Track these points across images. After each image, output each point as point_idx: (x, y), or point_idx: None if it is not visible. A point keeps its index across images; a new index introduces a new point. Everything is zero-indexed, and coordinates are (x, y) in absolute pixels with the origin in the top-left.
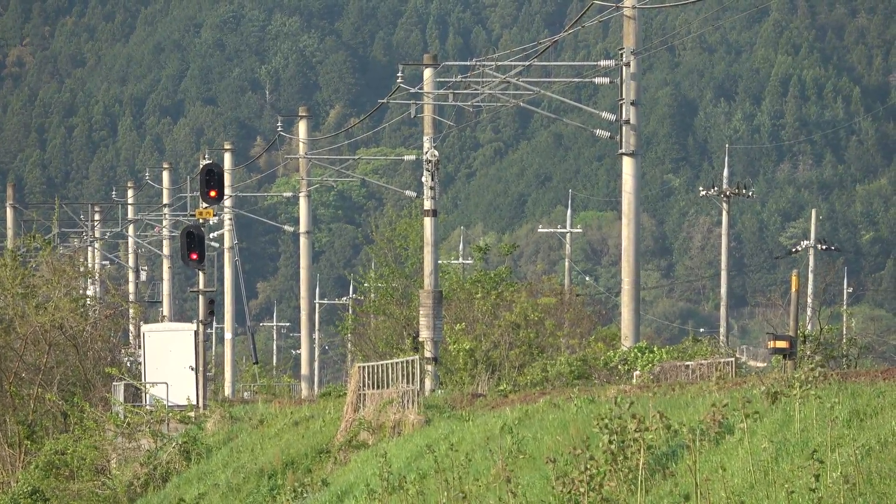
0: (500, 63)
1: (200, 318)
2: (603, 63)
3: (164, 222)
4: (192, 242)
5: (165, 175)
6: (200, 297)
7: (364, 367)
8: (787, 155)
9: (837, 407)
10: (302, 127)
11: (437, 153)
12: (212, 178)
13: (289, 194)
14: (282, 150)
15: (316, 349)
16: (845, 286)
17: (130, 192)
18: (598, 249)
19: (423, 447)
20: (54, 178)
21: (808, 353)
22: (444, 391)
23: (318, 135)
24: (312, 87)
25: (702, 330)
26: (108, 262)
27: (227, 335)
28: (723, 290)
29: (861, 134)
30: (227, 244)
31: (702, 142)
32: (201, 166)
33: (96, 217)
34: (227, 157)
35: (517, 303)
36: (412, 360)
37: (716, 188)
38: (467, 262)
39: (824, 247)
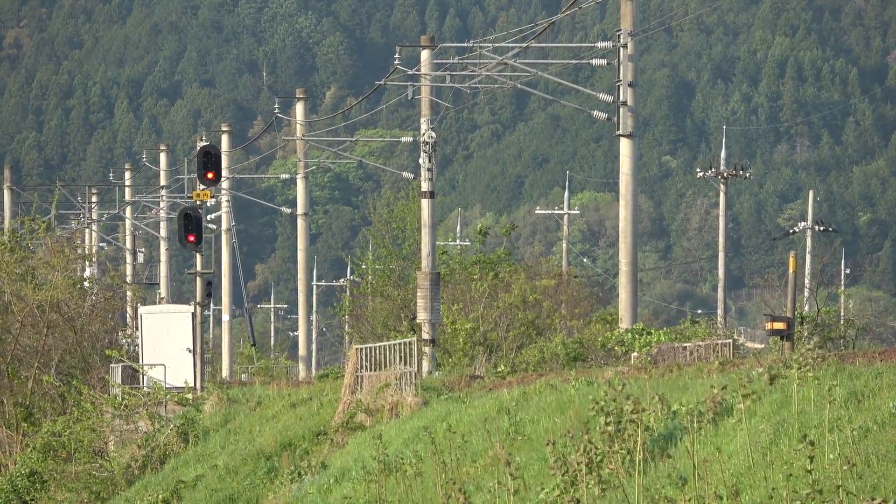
0: (497, 45)
1: (198, 299)
2: (600, 45)
3: (162, 204)
4: (190, 224)
5: (163, 157)
6: (198, 278)
7: (361, 349)
8: (784, 136)
9: (835, 388)
10: (299, 109)
11: (434, 135)
12: (209, 159)
13: (286, 176)
14: (280, 133)
15: (313, 331)
16: (843, 267)
17: (128, 174)
18: (595, 231)
19: (420, 429)
20: (51, 160)
21: (806, 334)
22: (442, 373)
23: (315, 117)
24: (309, 69)
25: (699, 311)
26: (105, 244)
27: (225, 317)
28: (720, 271)
29: (858, 115)
30: (224, 226)
31: (699, 123)
32: (198, 148)
33: (93, 199)
34: (225, 139)
35: (515, 284)
36: (410, 342)
37: (713, 169)
38: (465, 243)
39: (822, 228)
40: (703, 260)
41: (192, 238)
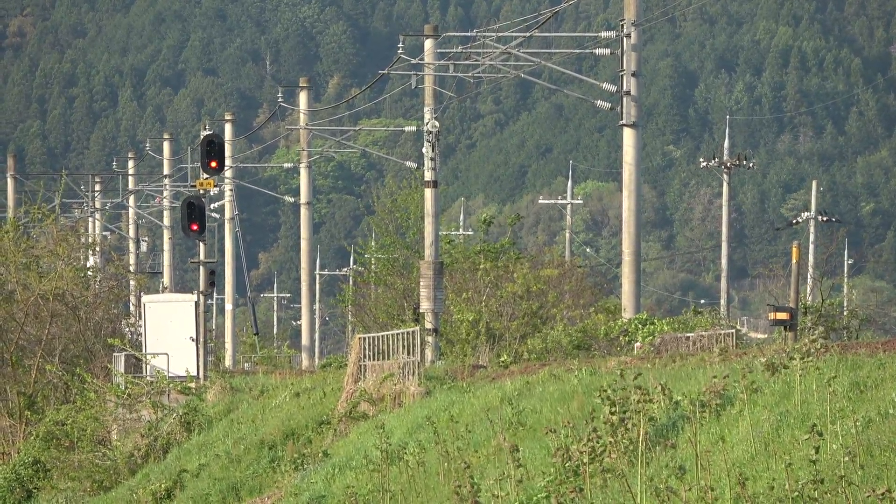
0: (500, 34)
1: (201, 288)
2: (604, 34)
3: (165, 193)
4: (193, 213)
5: (166, 146)
6: (201, 267)
7: (364, 339)
8: (787, 126)
9: (838, 379)
10: (303, 98)
11: (437, 124)
12: (212, 148)
13: (289, 165)
14: (283, 122)
15: (316, 320)
16: (846, 258)
17: (131, 163)
18: (598, 220)
19: (423, 418)
20: (55, 148)
21: (809, 324)
22: (445, 362)
23: (319, 106)
24: (313, 58)
25: (702, 301)
26: (108, 233)
27: (228, 306)
28: (723, 261)
29: (861, 105)
30: (227, 215)
31: (703, 113)
32: (202, 137)
33: (97, 188)
34: (228, 128)
35: (519, 274)
36: (413, 332)
37: (717, 159)
38: (468, 232)
39: (825, 218)
40: (707, 250)
41: (195, 227)
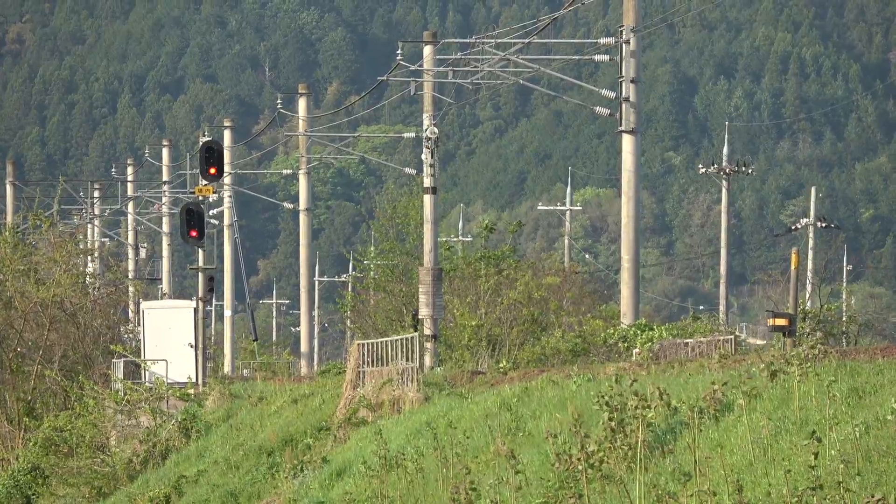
0: (499, 40)
1: (200, 295)
2: (603, 40)
3: (164, 199)
4: (192, 219)
5: (165, 152)
6: (200, 274)
7: (364, 345)
8: (786, 132)
9: (836, 385)
10: (302, 104)
11: (436, 130)
12: (211, 155)
13: (288, 172)
14: (283, 128)
15: (315, 326)
16: (845, 264)
17: (130, 170)
18: (597, 227)
19: (422, 424)
20: (54, 155)
21: (808, 330)
22: (444, 368)
23: (318, 112)
24: (312, 65)
25: (701, 307)
26: (107, 240)
27: (227, 312)
28: (722, 267)
29: (860, 111)
30: (226, 221)
31: (702, 119)
32: (201, 143)
33: (96, 194)
34: (227, 135)
35: (520, 281)
36: (412, 338)
37: (716, 166)
38: (467, 239)
39: (824, 224)
40: (706, 256)
41: (194, 233)
